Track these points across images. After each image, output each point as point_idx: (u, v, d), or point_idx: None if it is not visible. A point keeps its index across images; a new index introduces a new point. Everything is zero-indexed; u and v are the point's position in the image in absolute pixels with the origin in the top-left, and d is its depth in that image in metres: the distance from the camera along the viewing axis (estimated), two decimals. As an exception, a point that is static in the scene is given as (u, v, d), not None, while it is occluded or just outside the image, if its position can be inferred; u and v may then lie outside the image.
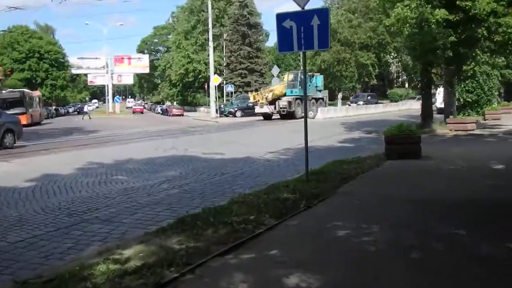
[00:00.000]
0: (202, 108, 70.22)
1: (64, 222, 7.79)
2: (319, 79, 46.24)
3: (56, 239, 6.86)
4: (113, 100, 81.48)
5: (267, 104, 42.08)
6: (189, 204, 8.75)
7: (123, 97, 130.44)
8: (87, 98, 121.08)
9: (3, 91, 45.29)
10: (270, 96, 42.26)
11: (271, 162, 14.47)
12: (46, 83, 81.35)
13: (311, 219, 7.10)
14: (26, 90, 47.32)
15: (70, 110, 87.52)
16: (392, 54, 75.94)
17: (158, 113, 78.80)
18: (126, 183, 11.39)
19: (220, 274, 4.92)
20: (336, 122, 33.43)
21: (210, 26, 54.01)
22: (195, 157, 15.96)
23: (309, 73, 46.47)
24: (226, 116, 49.89)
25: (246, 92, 61.75)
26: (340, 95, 61.36)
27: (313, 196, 8.40)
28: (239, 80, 68.25)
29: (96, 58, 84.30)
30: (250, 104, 49.84)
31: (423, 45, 20.39)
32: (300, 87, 40.34)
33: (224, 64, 72.22)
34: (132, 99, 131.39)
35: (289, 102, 40.85)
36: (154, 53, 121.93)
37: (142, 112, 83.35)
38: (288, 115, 40.73)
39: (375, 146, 16.55)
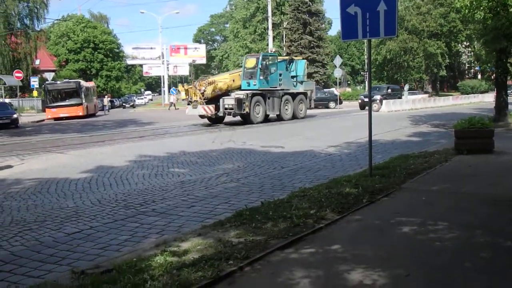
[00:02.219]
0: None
1: (120, 214, 8.08)
2: (300, 66, 33.85)
3: (113, 230, 7.14)
4: (169, 91, 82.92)
5: (203, 103, 28.92)
6: (247, 198, 8.88)
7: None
8: (142, 90, 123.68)
9: (58, 82, 46.69)
10: (209, 90, 28.78)
11: (333, 156, 14.41)
12: (101, 74, 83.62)
13: (374, 215, 7.06)
14: (81, 80, 48.60)
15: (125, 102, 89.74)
16: (464, 43, 73.76)
17: (215, 105, 79.57)
18: (183, 175, 11.64)
19: (280, 269, 4.99)
20: (402, 116, 32.82)
21: (269, 14, 54.14)
22: (253, 150, 16.10)
23: (282, 56, 39.01)
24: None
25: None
26: (406, 87, 60.11)
27: (377, 191, 8.37)
28: (299, 71, 68.07)
29: (151, 48, 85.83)
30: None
31: (497, 31, 19.69)
32: (261, 77, 29.65)
33: (284, 54, 72.24)
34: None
35: (238, 100, 28.30)
36: (211, 42, 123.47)
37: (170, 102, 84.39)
38: (241, 118, 29.90)
39: (444, 141, 16.19)
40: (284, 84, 31.49)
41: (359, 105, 44.33)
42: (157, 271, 4.94)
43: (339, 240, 5.89)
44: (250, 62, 30.90)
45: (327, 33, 79.11)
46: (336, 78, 52.76)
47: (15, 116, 33.77)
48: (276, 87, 30.66)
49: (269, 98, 30.21)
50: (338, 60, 50.69)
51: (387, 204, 7.73)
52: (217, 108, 29.04)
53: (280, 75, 31.15)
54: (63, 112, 41.79)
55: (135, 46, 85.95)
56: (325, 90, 53.75)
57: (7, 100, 44.49)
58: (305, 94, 33.56)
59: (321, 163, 13.12)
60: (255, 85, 29.67)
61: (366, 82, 68.43)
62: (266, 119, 30.61)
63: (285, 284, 4.62)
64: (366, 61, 73.26)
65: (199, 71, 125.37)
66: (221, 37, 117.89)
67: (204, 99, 28.84)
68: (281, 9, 75.56)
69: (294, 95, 32.49)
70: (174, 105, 60.41)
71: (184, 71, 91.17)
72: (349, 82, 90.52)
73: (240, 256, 5.25)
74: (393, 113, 36.87)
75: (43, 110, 49.24)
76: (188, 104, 30.37)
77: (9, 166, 13.90)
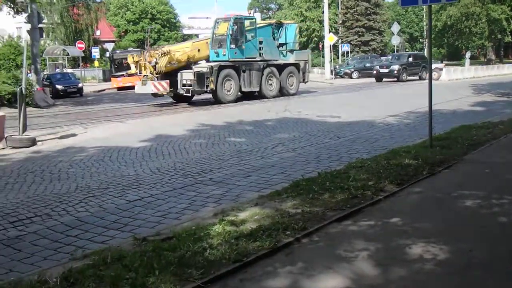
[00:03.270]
0: (316, 69, 69.73)
1: (179, 183, 8.20)
2: (290, 31, 28.03)
3: (172, 199, 7.26)
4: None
5: (154, 79, 22.93)
6: (304, 168, 8.83)
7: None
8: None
9: (117, 51, 47.24)
10: (162, 63, 22.84)
11: (391, 126, 14.14)
12: (158, 44, 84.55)
13: (435, 187, 6.89)
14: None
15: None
16: (531, 6, 70.27)
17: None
18: (239, 145, 11.69)
19: (338, 241, 4.96)
20: (463, 84, 31.84)
21: (325, -20, 52.98)
22: (309, 119, 15.98)
23: (266, 21, 32.11)
24: (341, 77, 49.10)
25: (364, 52, 60.43)
26: (468, 54, 58.08)
27: (437, 163, 8.15)
28: (356, 39, 66.78)
29: (207, 17, 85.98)
30: (368, 65, 47.18)
31: None
32: (233, 46, 24.02)
33: (340, 22, 70.89)
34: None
35: (199, 75, 22.65)
36: (265, 11, 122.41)
37: None
38: (190, 98, 24.98)
39: (509, 110, 15.60)
40: (267, 54, 25.89)
41: (375, 77, 39.72)
42: (215, 240, 4.99)
43: (398, 212, 5.78)
44: (221, 27, 24.94)
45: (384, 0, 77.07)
46: (394, 46, 51.47)
47: (80, 85, 35.06)
48: (254, 58, 25.19)
49: (244, 72, 24.55)
50: (396, 27, 49.42)
51: (449, 177, 7.53)
52: (174, 85, 23.40)
53: (261, 42, 25.52)
54: (129, 81, 41.33)
55: (191, 16, 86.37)
56: (382, 57, 52.38)
57: (69, 70, 45.63)
58: (296, 65, 27.60)
59: (378, 133, 12.90)
60: (224, 55, 23.94)
61: (425, 50, 66.63)
62: (246, 97, 25.62)
63: (343, 256, 4.58)
64: (425, 27, 71.17)
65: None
66: (275, 5, 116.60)
67: (156, 74, 22.94)
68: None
69: (281, 67, 26.63)
70: None
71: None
72: (407, 50, 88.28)
73: (297, 227, 5.23)
74: (454, 82, 35.83)
75: (104, 80, 50.30)
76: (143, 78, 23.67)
77: (74, 135, 14.33)
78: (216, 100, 23.48)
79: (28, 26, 27.17)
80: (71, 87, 33.74)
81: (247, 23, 25.49)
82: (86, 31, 59.76)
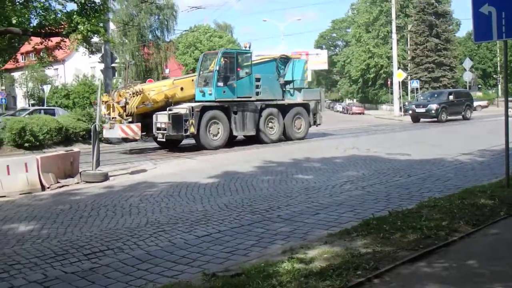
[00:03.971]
0: (384, 106, 69.15)
1: (247, 219, 8.26)
2: (298, 67, 24.63)
3: (240, 235, 7.31)
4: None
5: (123, 121, 19.80)
6: (373, 207, 8.72)
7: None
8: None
9: None
10: (133, 103, 20.05)
11: (464, 164, 13.76)
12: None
13: (514, 229, 6.63)
14: None
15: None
16: None
17: (337, 111, 79.27)
18: (307, 182, 11.68)
19: (411, 282, 4.85)
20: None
21: (393, 16, 52.91)
22: (378, 157, 15.79)
23: (269, 56, 26.40)
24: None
25: (434, 88, 59.26)
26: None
27: (515, 204, 7.83)
28: (425, 75, 65.72)
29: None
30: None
31: None
32: (220, 84, 21.11)
33: (409, 58, 70.10)
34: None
35: (175, 118, 19.74)
36: (332, 48, 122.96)
37: None
38: (178, 141, 22.56)
39: None
40: (266, 92, 23.06)
41: (411, 117, 37.53)
42: (285, 277, 4.99)
43: (474, 254, 5.60)
44: (208, 63, 22.63)
45: (455, 35, 75.82)
46: (466, 82, 50.36)
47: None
48: (250, 97, 22.19)
49: (235, 113, 21.47)
50: (468, 63, 48.41)
51: (528, 218, 7.23)
52: (148, 128, 20.78)
53: (258, 80, 22.65)
54: None
55: (258, 53, 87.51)
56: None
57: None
58: (305, 106, 24.34)
59: (451, 171, 12.58)
60: (210, 94, 21.10)
61: (499, 86, 64.82)
62: (246, 141, 23.11)
63: (416, 298, 4.48)
64: (499, 63, 69.36)
65: (320, 76, 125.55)
66: (342, 42, 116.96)
67: (127, 116, 20.16)
68: (405, 12, 73.54)
69: (285, 108, 23.50)
70: None
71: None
72: (479, 86, 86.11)
73: (368, 267, 5.16)
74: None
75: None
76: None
77: (144, 170, 14.74)
78: (200, 146, 20.56)
79: (102, 66, 28.46)
80: None
81: (240, 58, 22.69)
82: (155, 69, 61.95)
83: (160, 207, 9.45)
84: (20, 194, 11.42)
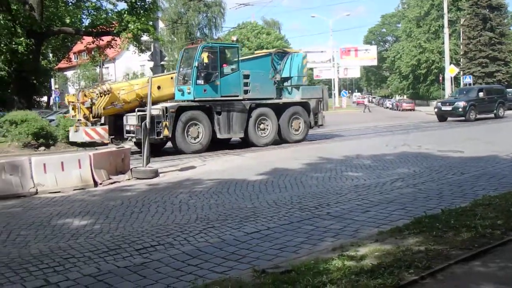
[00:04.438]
0: (435, 102, 67.80)
1: (296, 216, 8.25)
2: (295, 62, 22.60)
3: (289, 232, 7.31)
4: (339, 94, 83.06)
5: (88, 124, 18.85)
6: (425, 205, 8.58)
7: (349, 91, 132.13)
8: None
9: None
10: (101, 104, 19.10)
11: (520, 162, 13.38)
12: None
13: None
14: None
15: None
16: None
17: (387, 107, 78.17)
18: (357, 179, 11.58)
19: (465, 282, 4.75)
20: None
21: (445, 10, 51.83)
22: (429, 154, 15.51)
23: (264, 51, 26.30)
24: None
25: (488, 84, 57.74)
26: None
27: None
28: (479, 70, 64.04)
29: (322, 51, 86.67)
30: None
31: None
32: (201, 82, 19.55)
33: (461, 53, 68.49)
34: (359, 93, 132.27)
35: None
36: (382, 43, 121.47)
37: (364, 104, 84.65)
38: (161, 145, 20.36)
39: None
40: (256, 91, 20.93)
41: (436, 116, 34.72)
42: (335, 275, 4.97)
43: (532, 254, 5.45)
44: (190, 58, 20.54)
45: (510, 29, 73.59)
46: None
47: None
48: (236, 96, 20.36)
49: (219, 114, 19.69)
50: (524, 58, 46.84)
51: None
52: (117, 131, 19.82)
53: (247, 77, 20.62)
54: None
55: (306, 50, 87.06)
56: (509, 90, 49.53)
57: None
58: (304, 105, 22.17)
59: (506, 169, 12.22)
60: (189, 93, 19.50)
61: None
62: (227, 143, 21.74)
63: (471, 298, 4.39)
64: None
65: (369, 73, 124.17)
66: (392, 38, 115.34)
67: (94, 118, 19.05)
68: (458, 5, 71.81)
69: (280, 108, 21.50)
70: (369, 108, 61.26)
71: (355, 73, 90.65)
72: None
73: (421, 265, 5.08)
74: None
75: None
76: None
77: (193, 167, 14.92)
78: (177, 150, 19.03)
79: (151, 64, 28.96)
80: None
81: (225, 52, 21.15)
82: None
83: (209, 203, 9.55)
84: (74, 189, 11.74)
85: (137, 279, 5.63)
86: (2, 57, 29.60)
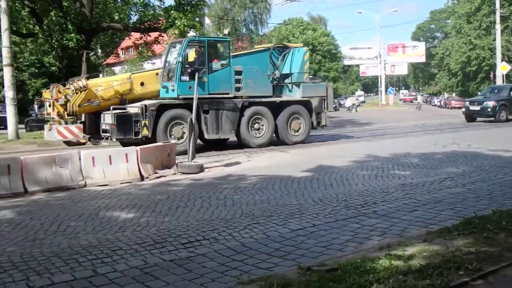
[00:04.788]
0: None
1: (342, 214, 8.18)
2: (297, 58, 20.99)
3: (335, 230, 7.26)
4: (385, 91, 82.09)
5: (62, 122, 18.79)
6: (475, 205, 8.40)
7: (396, 88, 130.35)
8: (358, 90, 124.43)
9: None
10: (76, 100, 18.70)
11: None
12: (318, 75, 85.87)
13: None
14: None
15: (341, 102, 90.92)
16: None
17: (435, 105, 76.82)
18: (404, 178, 11.40)
19: (518, 285, 4.61)
20: None
21: (497, 6, 50.36)
22: (480, 153, 15.14)
23: (263, 45, 24.62)
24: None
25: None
26: None
27: None
28: (533, 68, 62.31)
29: (369, 48, 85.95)
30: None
31: None
32: (185, 78, 18.18)
33: (512, 50, 66.75)
34: (406, 91, 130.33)
35: (120, 118, 17.59)
36: (430, 40, 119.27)
37: (411, 102, 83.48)
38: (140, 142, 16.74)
39: None
40: (250, 88, 19.62)
41: (464, 116, 31.98)
42: (382, 274, 4.90)
43: None
44: (174, 54, 19.27)
45: None
46: None
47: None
48: (227, 93, 19.18)
49: (207, 113, 18.53)
50: None
51: None
52: (93, 129, 19.12)
53: (239, 73, 19.33)
54: None
55: (352, 46, 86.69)
56: None
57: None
58: (305, 103, 20.63)
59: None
60: (173, 90, 18.38)
61: None
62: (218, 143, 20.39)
63: (524, 302, 4.26)
64: None
65: (417, 70, 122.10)
66: (441, 34, 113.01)
67: (70, 116, 18.57)
68: (510, 1, 69.89)
69: (277, 106, 20.15)
70: (420, 106, 60.81)
71: (402, 70, 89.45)
72: None
73: (471, 267, 4.96)
74: None
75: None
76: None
77: (237, 163, 14.97)
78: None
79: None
80: None
81: (214, 47, 19.91)
82: (249, 63, 62.59)
83: (254, 199, 9.57)
84: (121, 183, 11.95)
85: (183, 273, 5.68)
86: (54, 52, 30.35)
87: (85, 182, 11.74)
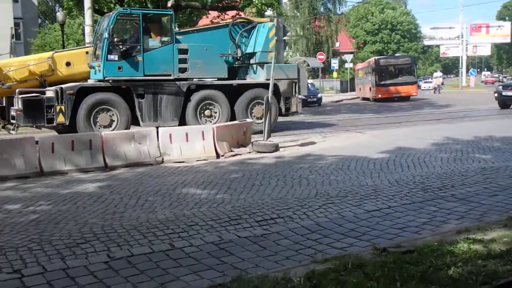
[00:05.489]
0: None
1: (418, 197, 8.03)
2: (260, 36, 18.43)
3: (411, 212, 7.14)
4: (467, 73, 79.13)
5: None
6: None
7: (478, 70, 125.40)
8: (437, 71, 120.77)
9: (382, 58, 43.37)
10: None
11: None
12: (397, 54, 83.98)
13: None
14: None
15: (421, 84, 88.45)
16: None
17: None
18: (484, 162, 11.01)
19: None
20: None
21: None
22: None
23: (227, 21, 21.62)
24: None
25: None
26: None
27: None
28: None
29: (450, 27, 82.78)
30: None
31: None
32: (112, 57, 15.84)
33: None
34: (488, 72, 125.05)
35: (28, 103, 15.05)
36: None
37: (493, 83, 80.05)
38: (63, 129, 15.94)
39: None
40: (200, 69, 17.06)
41: (497, 102, 28.03)
42: (460, 258, 4.79)
43: None
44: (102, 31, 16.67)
45: None
46: None
47: (319, 95, 36.76)
48: (168, 75, 16.68)
49: (141, 97, 16.23)
50: None
51: None
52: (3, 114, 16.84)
53: (184, 52, 16.78)
54: (396, 92, 39.01)
55: (433, 26, 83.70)
56: None
57: (309, 81, 47.81)
58: (273, 87, 15.61)
59: None
60: (100, 71, 15.98)
61: None
62: None
63: None
64: None
65: (501, 51, 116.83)
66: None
67: None
68: None
69: (234, 91, 17.73)
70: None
71: (485, 51, 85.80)
72: None
73: (556, 255, 4.76)
74: None
75: (342, 91, 51.54)
76: None
77: (313, 143, 14.94)
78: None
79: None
80: (311, 97, 35.48)
81: (152, 21, 17.38)
82: (326, 42, 62.04)
83: (329, 179, 9.53)
84: (197, 160, 12.22)
85: (257, 250, 5.76)
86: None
87: (163, 159, 12.09)
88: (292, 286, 4.34)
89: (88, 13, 23.91)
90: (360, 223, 6.66)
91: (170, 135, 12.48)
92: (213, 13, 33.08)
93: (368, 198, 8.02)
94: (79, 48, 18.90)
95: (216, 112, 17.31)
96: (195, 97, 16.94)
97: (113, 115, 15.68)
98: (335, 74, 55.28)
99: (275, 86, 16.90)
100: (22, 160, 10.72)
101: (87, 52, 17.22)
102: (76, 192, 9.09)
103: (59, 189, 9.44)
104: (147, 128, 14.02)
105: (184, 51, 16.68)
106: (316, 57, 50.92)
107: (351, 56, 58.25)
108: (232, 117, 17.26)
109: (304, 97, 34.39)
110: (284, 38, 30.48)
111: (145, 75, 16.07)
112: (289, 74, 18.47)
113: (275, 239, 6.10)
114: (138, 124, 16.16)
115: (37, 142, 11.16)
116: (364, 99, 41.38)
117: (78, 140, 11.60)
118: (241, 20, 19.26)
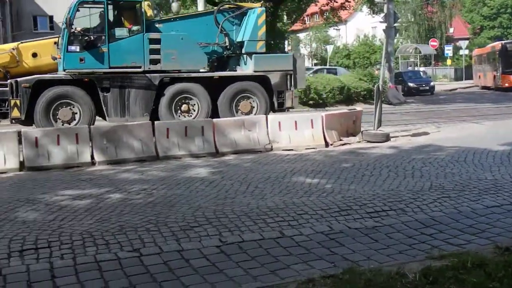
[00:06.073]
0: None
1: (550, 194, 7.51)
2: (250, 23, 15.85)
3: (541, 211, 6.68)
4: None
5: None
6: None
7: None
8: None
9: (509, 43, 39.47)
10: None
11: None
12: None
13: None
14: None
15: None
16: None
17: None
18: None
19: None
20: None
21: None
22: None
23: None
24: None
25: None
26: None
27: None
28: None
29: None
30: None
31: None
32: (74, 48, 14.37)
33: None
34: None
35: None
36: None
37: None
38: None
39: None
40: (175, 60, 15.14)
41: None
42: None
43: None
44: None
45: None
46: None
47: (431, 83, 35.57)
48: (138, 67, 14.83)
49: (107, 90, 14.70)
50: None
51: None
52: None
53: (156, 42, 14.87)
54: None
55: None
56: None
57: (421, 69, 46.35)
58: (262, 80, 15.55)
59: None
60: (61, 64, 14.86)
61: None
62: None
63: None
64: None
65: None
66: None
67: None
68: None
69: (216, 84, 15.56)
70: None
71: None
72: None
73: None
74: None
75: (456, 79, 49.45)
76: None
77: (426, 133, 14.48)
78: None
79: (384, 26, 28.40)
80: (423, 85, 34.45)
81: (123, 9, 15.68)
82: (439, 28, 59.86)
83: (444, 172, 9.14)
84: (306, 148, 12.20)
85: (368, 242, 5.65)
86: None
87: (272, 146, 12.19)
88: (407, 282, 4.20)
89: (201, 2, 24.53)
90: (478, 219, 6.34)
91: (279, 122, 12.56)
92: (322, 0, 32.85)
93: (488, 193, 7.61)
94: (47, 38, 17.25)
95: (194, 106, 15.40)
96: (169, 90, 15.18)
97: (73, 109, 14.46)
98: (449, 62, 53.07)
99: (265, 79, 15.63)
100: (140, 144, 11.38)
101: (55, 43, 15.84)
102: (189, 176, 9.41)
103: (173, 172, 9.85)
104: (258, 115, 14.09)
105: (156, 41, 14.97)
106: (428, 43, 49.22)
107: (466, 42, 55.58)
108: (215, 112, 15.36)
109: (415, 85, 33.63)
110: (395, 24, 29.67)
111: (110, 67, 14.69)
112: (282, 65, 16.08)
113: (387, 232, 5.95)
114: (105, 119, 14.99)
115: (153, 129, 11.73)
116: (484, 87, 39.18)
117: (191, 126, 12.02)
118: (228, 6, 17.30)
